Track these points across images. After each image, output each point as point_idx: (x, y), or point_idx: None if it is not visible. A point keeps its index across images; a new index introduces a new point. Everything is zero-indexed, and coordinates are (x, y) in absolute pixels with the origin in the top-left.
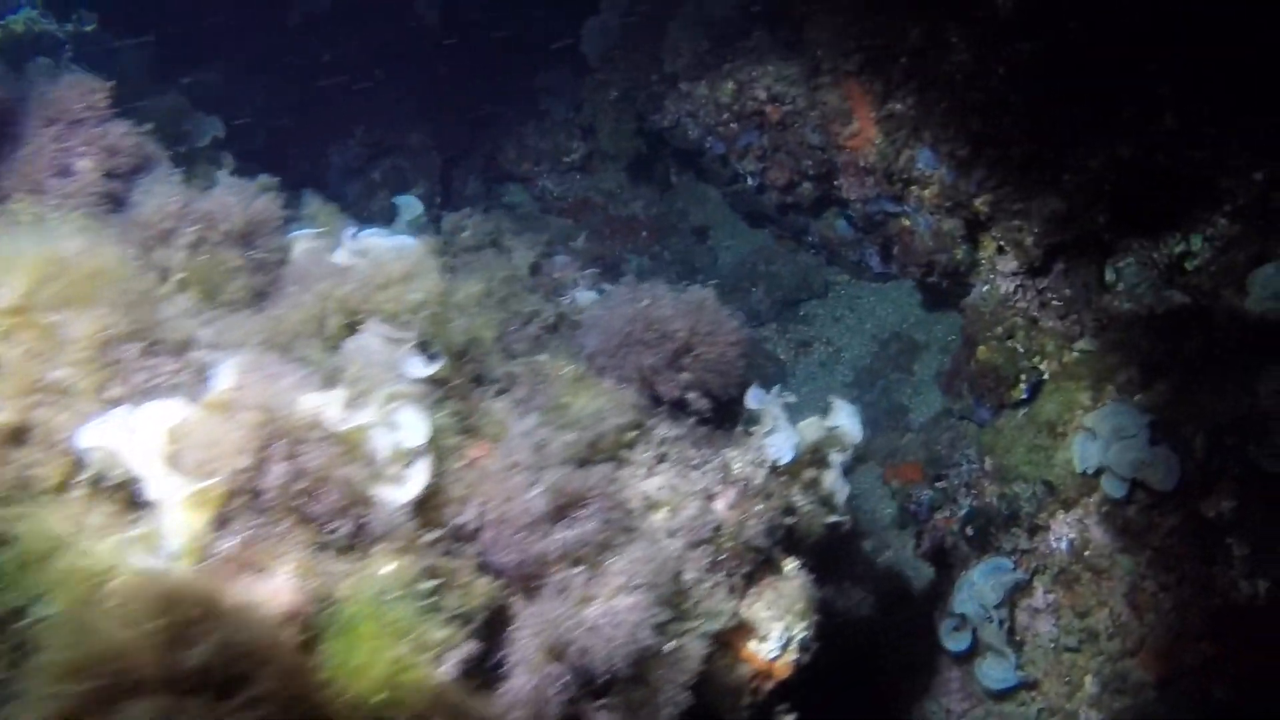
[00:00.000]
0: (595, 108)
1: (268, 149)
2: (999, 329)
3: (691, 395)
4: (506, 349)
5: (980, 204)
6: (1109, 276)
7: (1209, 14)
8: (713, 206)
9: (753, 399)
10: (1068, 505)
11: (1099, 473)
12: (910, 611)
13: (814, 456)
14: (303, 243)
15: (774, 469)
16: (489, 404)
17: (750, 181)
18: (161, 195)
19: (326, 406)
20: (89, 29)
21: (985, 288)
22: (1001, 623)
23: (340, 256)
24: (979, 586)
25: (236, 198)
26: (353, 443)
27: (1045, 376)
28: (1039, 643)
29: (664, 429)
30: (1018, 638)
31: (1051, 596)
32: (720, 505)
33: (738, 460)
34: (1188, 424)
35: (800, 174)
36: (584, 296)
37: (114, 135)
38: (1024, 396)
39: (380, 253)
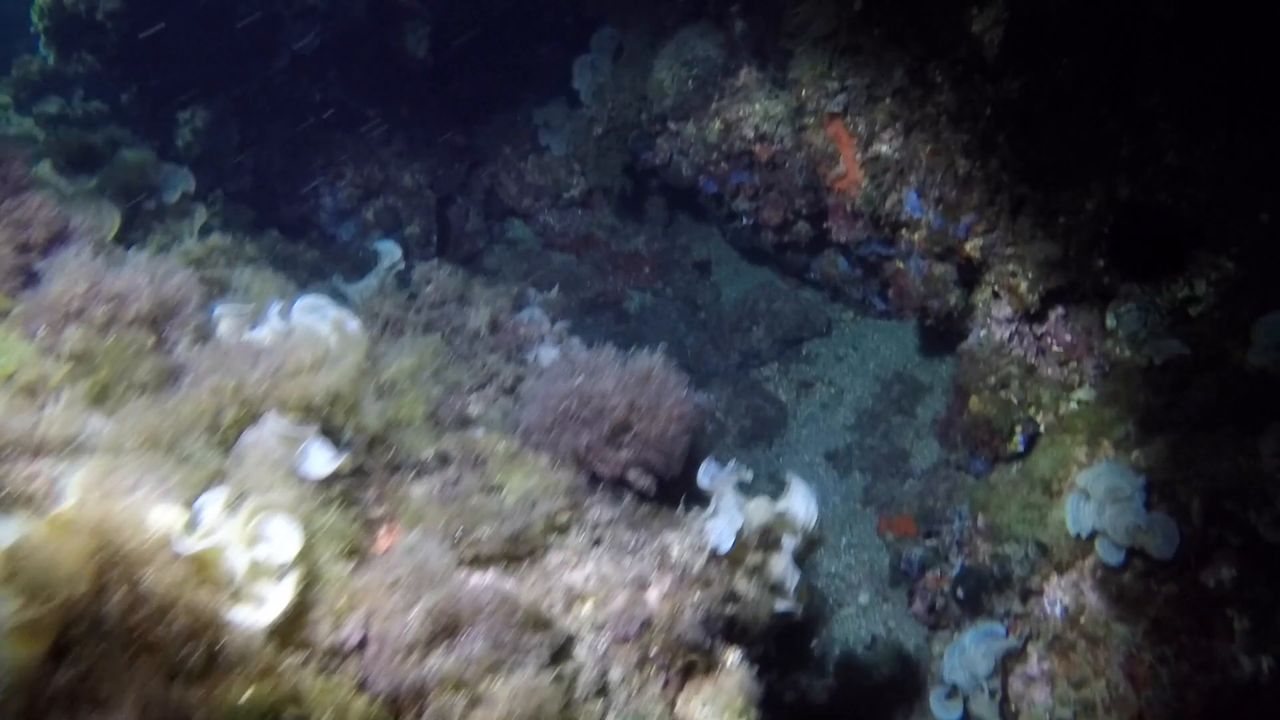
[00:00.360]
0: (584, 145)
1: (256, 191)
2: (992, 379)
3: (632, 474)
4: (442, 422)
5: (971, 249)
6: (1110, 322)
7: (1213, 46)
8: (716, 241)
9: (704, 476)
10: (1061, 568)
11: (1093, 535)
12: (900, 674)
13: (763, 539)
14: (226, 321)
15: (714, 555)
16: (408, 489)
17: (745, 220)
18: (70, 274)
19: (180, 521)
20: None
21: (982, 332)
22: (993, 693)
23: (264, 333)
24: (970, 654)
25: (148, 277)
26: (204, 563)
27: (1041, 429)
28: (1034, 713)
29: (599, 511)
30: (1012, 707)
31: (1046, 665)
32: (654, 595)
33: (676, 545)
34: (1185, 486)
35: (795, 213)
36: (547, 354)
37: (28, 207)
38: (1020, 449)
39: (304, 331)
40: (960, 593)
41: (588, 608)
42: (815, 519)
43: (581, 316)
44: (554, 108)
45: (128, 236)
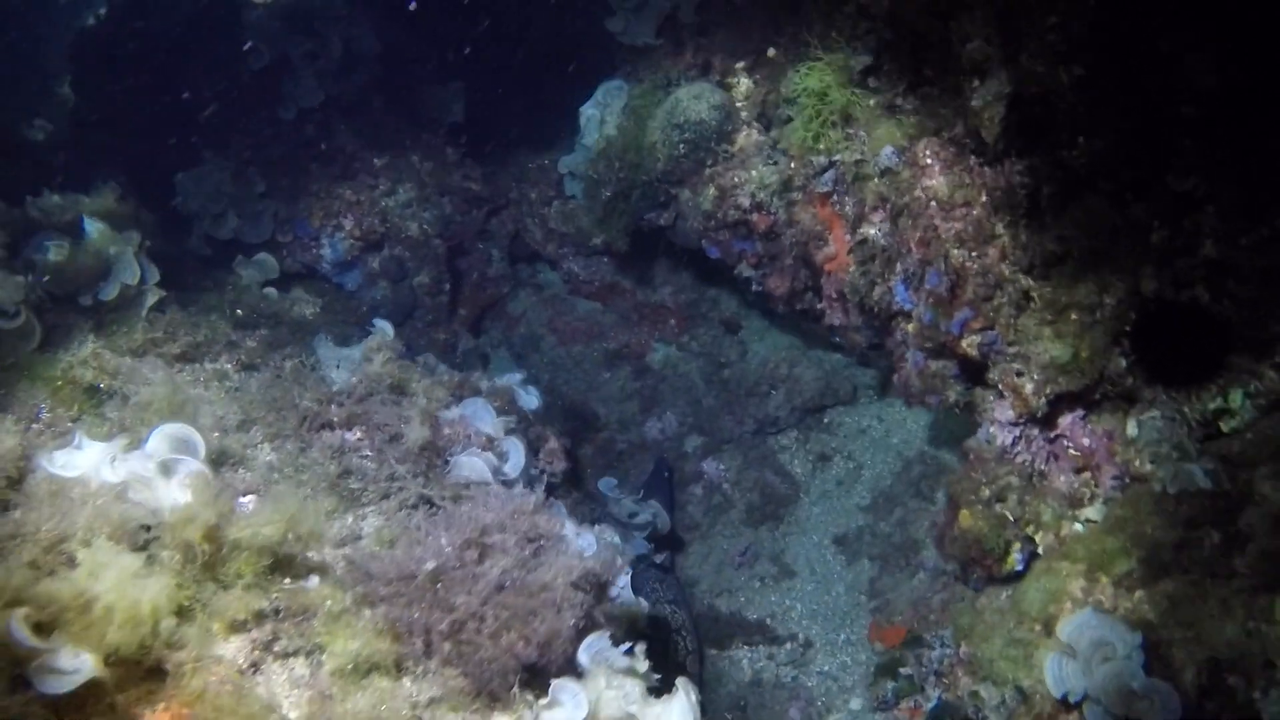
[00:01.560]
0: (591, 198)
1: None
2: (986, 491)
3: (447, 671)
4: (290, 562)
5: (967, 346)
6: (1131, 430)
7: (1267, 118)
8: (744, 297)
9: (584, 652)
10: None
11: (1083, 700)
12: None
13: None
14: (42, 480)
15: None
16: (197, 666)
17: (755, 287)
18: None
19: None
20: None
21: (991, 429)
22: None
23: (91, 484)
24: None
25: None
26: None
27: (1039, 550)
28: None
29: (420, 687)
30: None
31: None
32: None
33: None
34: (1182, 648)
35: (802, 284)
36: (466, 464)
37: None
38: (1018, 569)
39: (137, 486)
40: None
41: None
42: None
43: (599, 371)
44: (580, 155)
45: (66, 322)
